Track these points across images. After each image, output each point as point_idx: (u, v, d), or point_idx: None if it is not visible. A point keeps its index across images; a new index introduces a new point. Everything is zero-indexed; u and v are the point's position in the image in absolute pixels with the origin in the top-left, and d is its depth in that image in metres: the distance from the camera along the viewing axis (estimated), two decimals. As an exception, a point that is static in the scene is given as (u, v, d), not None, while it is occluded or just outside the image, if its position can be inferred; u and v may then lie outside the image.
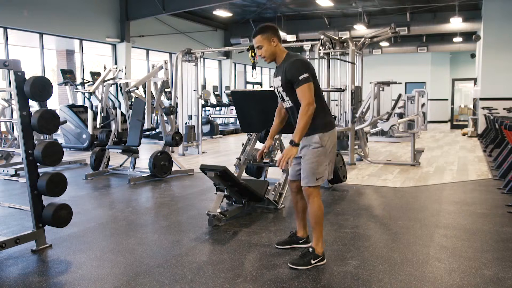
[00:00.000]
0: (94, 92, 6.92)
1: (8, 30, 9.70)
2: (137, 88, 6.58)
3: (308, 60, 2.87)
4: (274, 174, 5.67)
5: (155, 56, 14.29)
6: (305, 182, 2.84)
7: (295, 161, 2.95)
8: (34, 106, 7.20)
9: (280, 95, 2.94)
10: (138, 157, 6.41)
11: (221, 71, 17.71)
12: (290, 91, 2.82)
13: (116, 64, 12.19)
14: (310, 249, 2.86)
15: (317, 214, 2.85)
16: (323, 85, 7.59)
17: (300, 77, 2.69)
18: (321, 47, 7.56)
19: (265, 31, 2.82)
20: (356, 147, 7.40)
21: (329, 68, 7.73)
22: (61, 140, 9.33)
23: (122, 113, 7.79)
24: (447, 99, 17.57)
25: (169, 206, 4.57)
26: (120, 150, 6.22)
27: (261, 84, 20.32)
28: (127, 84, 6.82)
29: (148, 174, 5.97)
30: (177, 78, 8.80)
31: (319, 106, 2.78)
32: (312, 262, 2.81)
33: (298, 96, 2.74)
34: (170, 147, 6.78)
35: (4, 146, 7.57)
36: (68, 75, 9.32)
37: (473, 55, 16.00)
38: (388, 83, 8.93)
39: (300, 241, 3.19)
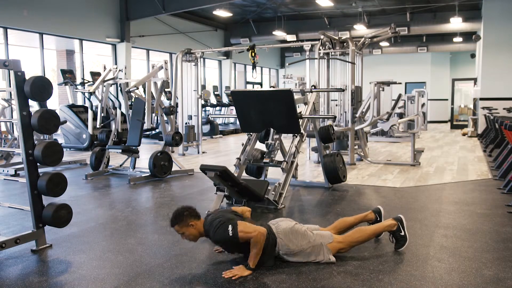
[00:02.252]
0: (94, 92, 6.91)
1: (8, 30, 9.70)
2: (137, 88, 6.57)
3: (217, 215, 2.85)
4: (274, 174, 5.67)
5: (155, 56, 14.29)
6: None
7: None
8: (34, 106, 7.21)
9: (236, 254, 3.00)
10: (138, 157, 6.41)
11: (221, 71, 17.71)
12: (236, 246, 2.85)
13: (116, 64, 12.19)
14: (390, 234, 3.11)
15: (359, 240, 3.02)
16: (323, 85, 7.59)
17: (231, 233, 2.69)
18: (321, 47, 7.56)
19: (180, 219, 2.83)
20: (356, 147, 7.40)
21: (329, 68, 7.73)
22: (61, 140, 9.33)
23: (122, 113, 7.78)
24: (447, 99, 17.57)
25: (169, 206, 4.57)
26: (120, 150, 6.22)
27: (261, 84, 20.32)
28: (127, 84, 6.82)
29: (148, 174, 5.97)
30: (177, 78, 8.80)
31: None
32: (402, 233, 3.07)
33: (245, 240, 2.73)
34: (170, 147, 6.78)
35: (4, 146, 7.57)
36: (68, 75, 9.32)
37: (473, 55, 16.00)
38: (388, 83, 8.95)
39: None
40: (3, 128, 8.11)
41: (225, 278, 2.64)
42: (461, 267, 2.81)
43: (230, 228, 2.70)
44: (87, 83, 9.19)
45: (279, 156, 4.90)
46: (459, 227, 3.68)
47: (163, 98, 8.92)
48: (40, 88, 3.09)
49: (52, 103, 11.52)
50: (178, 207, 2.93)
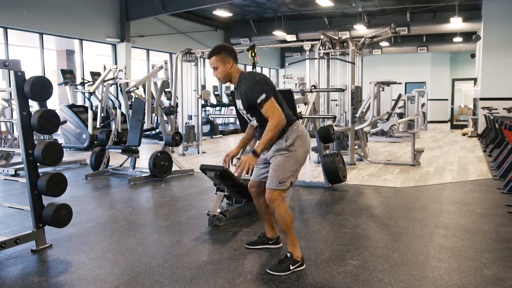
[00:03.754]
0: (94, 92, 6.92)
1: (8, 30, 9.69)
2: (137, 88, 6.58)
3: (262, 75, 2.78)
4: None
5: (155, 56, 14.29)
6: (269, 184, 2.79)
7: (261, 165, 2.93)
8: (34, 106, 7.20)
9: (246, 117, 2.92)
10: (138, 157, 6.41)
11: (221, 71, 17.68)
12: (253, 112, 2.80)
13: (116, 64, 12.19)
14: (288, 254, 2.77)
15: (285, 219, 2.78)
16: (323, 85, 7.59)
17: (259, 100, 2.65)
18: (321, 47, 7.56)
19: (220, 52, 2.79)
20: (356, 147, 7.40)
21: (329, 68, 7.73)
22: (61, 140, 9.33)
23: (122, 113, 7.79)
24: (447, 99, 17.56)
25: (169, 206, 4.57)
26: (120, 150, 6.22)
27: (261, 84, 20.28)
28: (127, 84, 6.82)
29: (148, 174, 5.97)
30: (177, 78, 8.80)
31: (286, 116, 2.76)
32: (291, 267, 2.72)
33: (265, 116, 2.70)
34: (170, 147, 6.78)
35: (4, 146, 7.57)
36: (68, 75, 9.32)
37: (473, 55, 15.99)
38: (388, 83, 8.93)
39: (270, 242, 3.18)
40: (3, 128, 8.10)
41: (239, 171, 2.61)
42: (461, 267, 2.81)
43: (263, 96, 2.63)
44: (87, 83, 9.19)
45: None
46: (459, 227, 3.68)
47: (163, 98, 8.92)
48: (40, 88, 3.09)
49: (52, 103, 11.51)
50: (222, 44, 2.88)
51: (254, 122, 2.89)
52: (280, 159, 2.77)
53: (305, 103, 4.92)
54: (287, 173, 2.77)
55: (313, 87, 5.31)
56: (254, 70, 2.78)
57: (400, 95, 8.97)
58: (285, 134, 2.76)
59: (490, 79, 11.64)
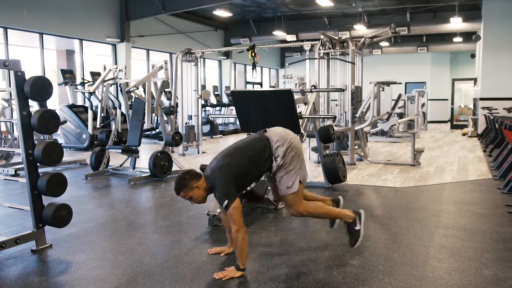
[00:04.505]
0: (94, 92, 6.92)
1: (8, 30, 9.69)
2: (137, 88, 6.57)
3: (223, 176, 2.73)
4: (274, 174, 5.66)
5: (155, 56, 14.29)
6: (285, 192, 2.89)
7: None
8: (34, 106, 7.20)
9: None
10: (138, 157, 6.41)
11: (221, 71, 17.71)
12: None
13: (116, 64, 12.19)
14: (346, 225, 3.02)
15: (314, 212, 3.00)
16: (323, 85, 7.59)
17: (223, 204, 2.68)
18: (321, 47, 7.56)
19: (184, 185, 2.79)
20: (356, 147, 7.40)
21: (329, 68, 7.73)
22: (61, 140, 9.33)
23: (122, 113, 7.79)
24: (447, 99, 17.57)
25: (169, 206, 4.57)
26: (120, 150, 6.22)
27: (261, 84, 20.32)
28: (127, 84, 6.82)
29: (148, 174, 5.97)
30: (177, 78, 8.80)
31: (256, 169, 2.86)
32: (357, 228, 2.98)
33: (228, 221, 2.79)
34: (170, 147, 6.78)
35: (4, 146, 7.57)
36: (68, 75, 9.32)
37: (473, 55, 15.99)
38: (388, 83, 8.94)
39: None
40: (3, 128, 8.11)
41: (217, 278, 2.64)
42: (461, 267, 2.81)
43: (225, 202, 2.66)
44: (87, 83, 9.19)
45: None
46: (459, 227, 3.68)
47: (163, 98, 8.92)
48: (40, 88, 3.09)
49: (52, 103, 11.51)
50: (178, 174, 2.89)
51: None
52: (281, 172, 2.89)
53: (305, 103, 4.92)
54: (292, 176, 2.87)
55: (313, 87, 5.31)
56: (217, 168, 2.78)
57: (400, 95, 8.97)
58: (276, 159, 2.86)
59: (490, 79, 11.64)
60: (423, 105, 13.71)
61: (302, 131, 4.61)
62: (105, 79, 6.94)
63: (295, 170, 2.87)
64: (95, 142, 8.56)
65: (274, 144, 2.87)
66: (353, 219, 3.01)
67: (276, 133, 2.93)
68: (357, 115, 7.28)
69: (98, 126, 7.24)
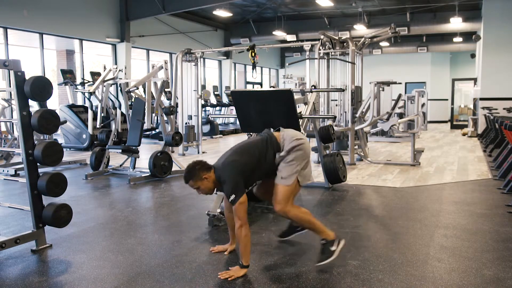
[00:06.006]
0: (94, 92, 6.92)
1: (8, 30, 9.70)
2: (137, 88, 6.57)
3: (232, 170, 2.76)
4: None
5: (155, 56, 14.29)
6: (279, 181, 2.88)
7: None
8: (34, 106, 7.20)
9: None
10: (138, 157, 6.41)
11: (221, 71, 17.71)
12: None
13: (116, 64, 12.19)
14: (324, 241, 2.87)
15: (300, 218, 2.90)
16: (323, 85, 7.59)
17: (229, 199, 2.69)
18: (321, 47, 7.56)
19: (194, 174, 2.81)
20: (356, 147, 7.40)
21: (329, 68, 7.73)
22: (61, 140, 9.33)
23: (122, 113, 7.79)
24: (447, 99, 17.57)
25: (169, 206, 4.57)
26: (120, 150, 6.22)
27: (261, 84, 20.32)
28: (127, 84, 6.82)
29: (148, 174, 5.97)
30: (177, 78, 8.80)
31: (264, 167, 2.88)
32: (332, 249, 2.82)
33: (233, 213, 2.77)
34: (170, 147, 6.78)
35: (4, 146, 7.57)
36: (68, 75, 9.32)
37: (473, 55, 15.99)
38: (388, 83, 8.94)
39: (297, 229, 3.25)
40: (3, 128, 8.11)
41: (222, 278, 2.64)
42: (461, 267, 2.81)
43: (232, 196, 2.67)
44: (87, 83, 9.19)
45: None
46: (459, 227, 3.68)
47: (163, 98, 8.93)
48: (40, 88, 3.09)
49: (52, 103, 11.51)
50: (189, 163, 2.90)
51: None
52: (282, 164, 2.87)
53: (305, 103, 4.92)
54: (291, 170, 2.84)
55: (313, 87, 5.30)
56: (226, 163, 2.80)
57: (400, 95, 8.97)
58: (282, 150, 2.87)
59: (490, 79, 11.64)
60: (423, 105, 13.71)
61: (302, 131, 4.61)
62: (105, 79, 6.93)
63: (296, 167, 2.86)
64: (95, 142, 8.56)
65: (284, 141, 2.90)
66: (333, 239, 2.87)
67: (290, 133, 2.97)
68: (357, 115, 7.28)
69: (98, 126, 7.24)
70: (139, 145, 6.20)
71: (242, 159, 2.82)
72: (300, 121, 4.61)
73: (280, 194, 2.84)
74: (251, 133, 4.82)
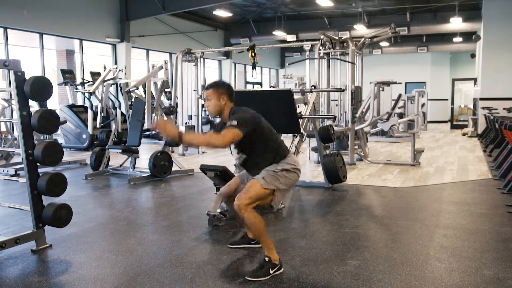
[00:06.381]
0: (94, 92, 6.92)
1: (8, 30, 9.69)
2: (137, 88, 6.58)
3: (251, 114, 2.81)
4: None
5: (155, 56, 14.28)
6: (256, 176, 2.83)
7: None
8: (34, 106, 7.20)
9: (231, 151, 3.03)
10: (138, 157, 6.41)
11: (221, 71, 17.71)
12: (239, 145, 2.89)
13: (116, 64, 12.19)
14: (266, 259, 2.73)
15: (255, 224, 2.74)
16: (323, 85, 7.59)
17: (228, 123, 2.73)
18: (321, 47, 7.56)
19: (218, 87, 2.87)
20: (356, 147, 7.40)
21: (329, 68, 7.73)
22: (61, 140, 9.33)
23: (122, 113, 7.79)
24: (447, 99, 17.56)
25: (169, 206, 4.57)
26: (120, 150, 6.22)
27: (261, 84, 20.31)
28: (127, 84, 6.82)
29: (148, 174, 5.97)
30: (177, 78, 8.80)
31: (269, 151, 2.85)
32: (271, 272, 2.68)
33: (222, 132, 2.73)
34: (170, 147, 6.78)
35: (4, 146, 7.57)
36: (68, 75, 9.32)
37: (473, 55, 15.99)
38: (388, 83, 8.94)
39: (252, 242, 3.22)
40: (3, 128, 8.11)
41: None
42: (461, 267, 2.81)
43: (234, 122, 2.68)
44: (87, 83, 9.19)
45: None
46: (459, 227, 3.68)
47: (163, 98, 8.92)
48: (40, 88, 3.09)
49: (52, 103, 11.50)
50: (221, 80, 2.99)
51: (241, 157, 2.97)
52: (270, 172, 2.82)
53: (305, 103, 4.92)
54: (275, 180, 2.79)
55: (313, 87, 5.31)
56: (246, 108, 2.82)
57: (400, 95, 8.97)
58: (279, 164, 2.84)
59: (490, 79, 11.64)
60: (423, 105, 13.70)
61: (302, 131, 4.61)
62: (105, 79, 6.94)
63: (280, 184, 2.79)
64: (95, 142, 8.56)
65: (287, 158, 2.89)
66: (276, 263, 2.73)
67: (295, 158, 2.97)
68: (357, 115, 7.28)
69: (98, 126, 7.24)
70: (139, 145, 6.20)
71: (264, 123, 2.87)
72: (300, 121, 4.61)
73: (250, 190, 2.72)
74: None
